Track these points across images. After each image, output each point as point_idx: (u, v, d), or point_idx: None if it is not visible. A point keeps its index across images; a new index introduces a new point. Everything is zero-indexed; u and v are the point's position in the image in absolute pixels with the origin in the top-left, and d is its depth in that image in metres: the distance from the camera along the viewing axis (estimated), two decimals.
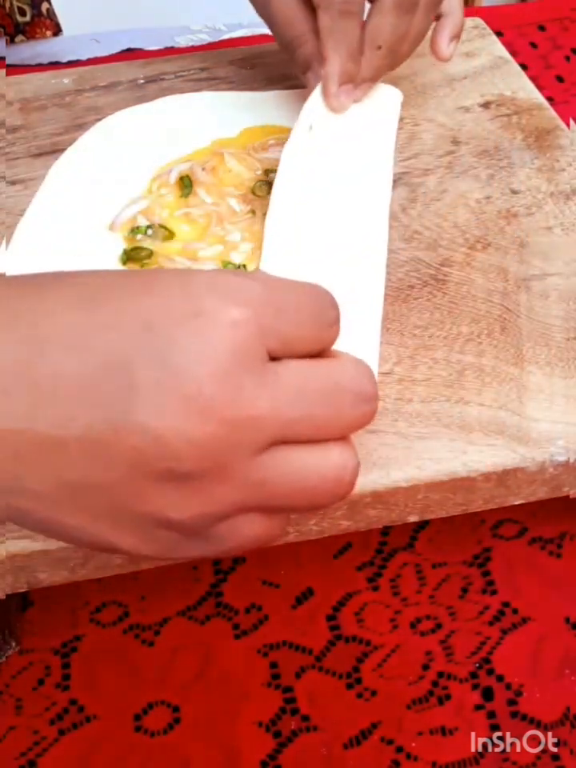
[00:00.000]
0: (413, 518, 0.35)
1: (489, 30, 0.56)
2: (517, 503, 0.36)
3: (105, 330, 0.24)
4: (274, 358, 0.25)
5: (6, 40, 0.72)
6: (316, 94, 0.45)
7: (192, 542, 0.26)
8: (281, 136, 0.48)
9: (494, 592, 0.40)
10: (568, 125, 0.49)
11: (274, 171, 0.45)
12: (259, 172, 0.46)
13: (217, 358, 0.24)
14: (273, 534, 0.27)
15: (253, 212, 0.44)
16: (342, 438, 0.27)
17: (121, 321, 0.25)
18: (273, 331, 0.25)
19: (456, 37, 0.48)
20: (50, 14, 0.78)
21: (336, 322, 0.27)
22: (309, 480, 0.26)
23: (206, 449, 0.24)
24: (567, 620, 0.39)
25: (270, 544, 0.29)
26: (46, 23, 0.76)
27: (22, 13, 0.73)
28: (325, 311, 0.27)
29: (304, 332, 0.26)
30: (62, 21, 0.81)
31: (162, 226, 0.43)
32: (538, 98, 0.51)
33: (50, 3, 0.78)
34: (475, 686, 0.37)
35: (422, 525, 0.41)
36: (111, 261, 0.42)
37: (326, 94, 0.45)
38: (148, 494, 0.24)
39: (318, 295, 0.27)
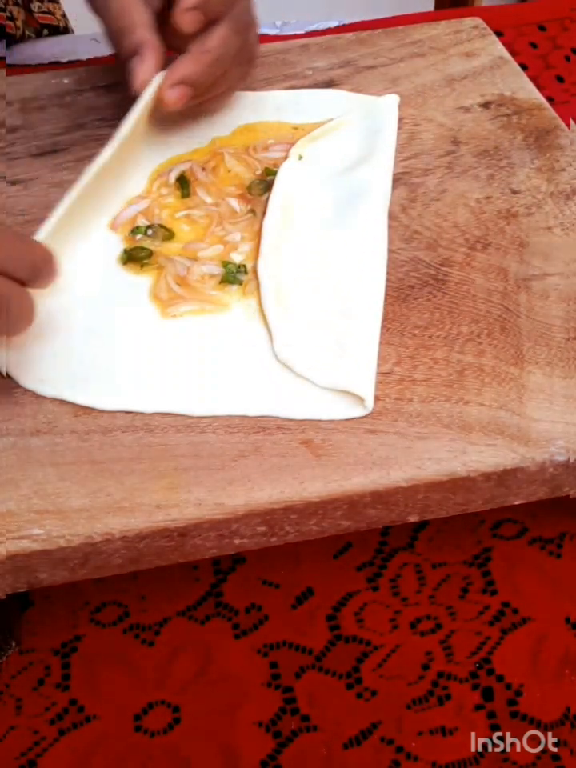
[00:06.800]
0: (413, 518, 0.35)
1: (489, 30, 0.56)
2: (517, 503, 0.36)
3: None
4: None
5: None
6: None
7: None
8: (280, 135, 0.48)
9: (494, 592, 0.40)
10: (568, 125, 0.49)
11: (274, 171, 0.45)
12: (259, 172, 0.46)
13: None
14: None
15: (253, 212, 0.44)
16: None
17: None
18: None
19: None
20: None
21: None
22: None
23: None
24: (567, 620, 0.39)
25: None
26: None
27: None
28: None
29: None
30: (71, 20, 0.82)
31: (162, 226, 0.43)
32: (538, 98, 0.51)
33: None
34: (475, 686, 0.37)
35: (422, 525, 0.41)
36: (111, 261, 0.42)
37: (180, 4, 0.43)
38: None
39: None
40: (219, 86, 0.46)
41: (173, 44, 0.46)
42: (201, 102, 0.46)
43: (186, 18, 0.43)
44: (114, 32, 0.44)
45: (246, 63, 0.47)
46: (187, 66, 0.43)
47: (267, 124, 0.49)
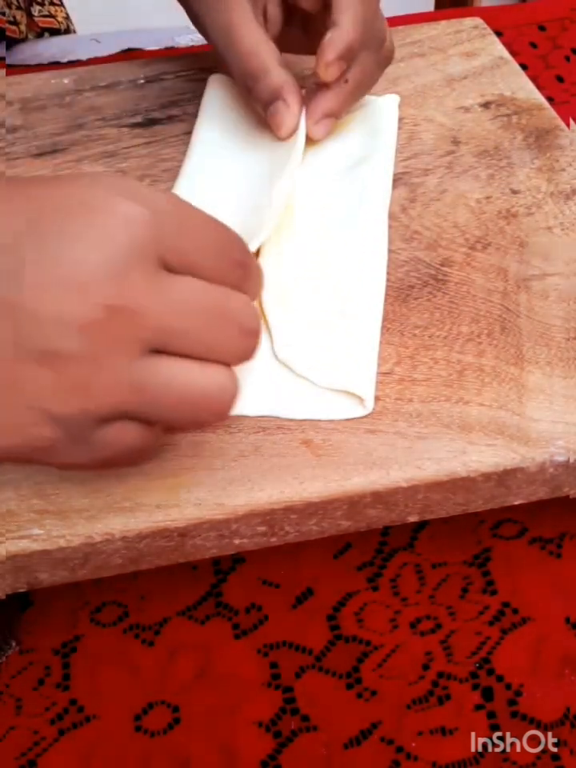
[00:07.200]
0: (413, 518, 0.35)
1: (489, 30, 0.56)
2: (517, 503, 0.36)
3: None
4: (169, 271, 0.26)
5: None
6: None
7: (74, 447, 0.26)
8: None
9: (494, 592, 0.40)
10: (568, 125, 0.49)
11: None
12: None
13: (105, 249, 0.25)
14: (147, 446, 0.28)
15: None
16: (225, 364, 0.28)
17: (13, 208, 0.25)
18: (172, 244, 0.26)
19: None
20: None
21: (244, 266, 0.28)
22: (189, 393, 0.27)
23: (82, 333, 0.24)
24: (567, 620, 0.39)
25: (143, 458, 0.30)
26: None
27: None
28: (233, 249, 0.28)
29: (207, 260, 0.27)
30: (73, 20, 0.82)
31: None
32: (538, 98, 0.51)
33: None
34: (475, 686, 0.37)
35: (422, 525, 0.41)
36: None
37: (324, 55, 0.42)
38: (27, 379, 0.25)
39: (229, 234, 0.28)
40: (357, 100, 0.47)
41: (291, 50, 0.46)
42: None
43: (330, 72, 0.42)
44: (246, 75, 0.43)
45: (381, 70, 0.47)
46: (330, 101, 0.43)
47: None
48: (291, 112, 0.43)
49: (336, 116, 0.45)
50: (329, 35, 0.42)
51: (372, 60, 0.44)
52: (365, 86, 0.45)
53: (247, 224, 0.42)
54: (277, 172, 0.45)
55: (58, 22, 0.79)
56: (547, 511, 0.41)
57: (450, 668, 0.38)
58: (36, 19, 0.76)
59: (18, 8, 0.73)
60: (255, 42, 0.43)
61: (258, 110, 0.44)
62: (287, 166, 0.42)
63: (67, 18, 0.81)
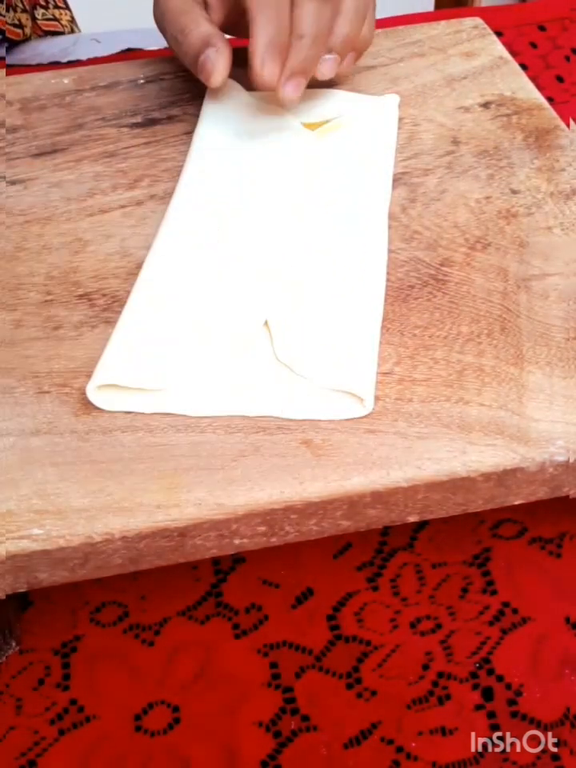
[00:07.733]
0: (413, 518, 0.35)
1: (489, 30, 0.56)
2: (517, 503, 0.36)
3: None
4: None
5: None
6: None
7: None
8: None
9: (494, 592, 0.40)
10: (568, 125, 0.49)
11: None
12: None
13: None
14: None
15: None
16: None
17: None
18: None
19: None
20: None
21: None
22: None
23: None
24: (567, 620, 0.39)
25: None
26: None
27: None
28: None
29: None
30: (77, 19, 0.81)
31: None
32: (538, 98, 0.51)
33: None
34: (475, 686, 0.37)
35: (422, 525, 0.42)
36: None
37: (253, 63, 0.42)
38: None
39: None
40: (346, 56, 0.45)
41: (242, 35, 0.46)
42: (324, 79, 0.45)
43: (267, 72, 0.42)
44: (178, 32, 0.43)
45: (362, 20, 0.45)
46: (291, 59, 0.42)
47: None
48: (222, 55, 0.42)
49: (304, 73, 0.43)
50: (249, 45, 0.41)
51: (321, 8, 0.42)
52: (323, 37, 0.43)
53: (250, 225, 0.42)
54: (279, 173, 0.45)
55: (62, 25, 0.78)
56: (547, 511, 0.41)
57: (450, 668, 0.38)
58: (39, 23, 0.76)
59: (23, 11, 0.73)
60: (188, 7, 0.43)
61: (188, 65, 0.44)
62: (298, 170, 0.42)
63: (72, 21, 0.80)
